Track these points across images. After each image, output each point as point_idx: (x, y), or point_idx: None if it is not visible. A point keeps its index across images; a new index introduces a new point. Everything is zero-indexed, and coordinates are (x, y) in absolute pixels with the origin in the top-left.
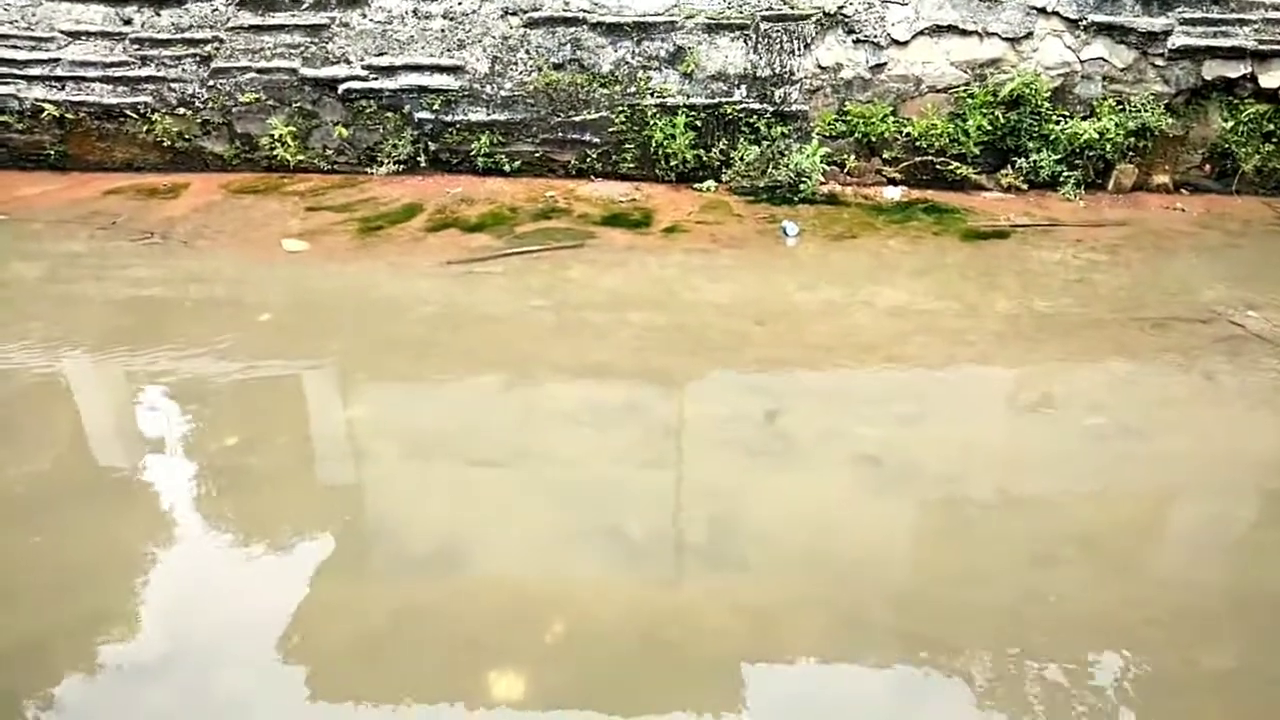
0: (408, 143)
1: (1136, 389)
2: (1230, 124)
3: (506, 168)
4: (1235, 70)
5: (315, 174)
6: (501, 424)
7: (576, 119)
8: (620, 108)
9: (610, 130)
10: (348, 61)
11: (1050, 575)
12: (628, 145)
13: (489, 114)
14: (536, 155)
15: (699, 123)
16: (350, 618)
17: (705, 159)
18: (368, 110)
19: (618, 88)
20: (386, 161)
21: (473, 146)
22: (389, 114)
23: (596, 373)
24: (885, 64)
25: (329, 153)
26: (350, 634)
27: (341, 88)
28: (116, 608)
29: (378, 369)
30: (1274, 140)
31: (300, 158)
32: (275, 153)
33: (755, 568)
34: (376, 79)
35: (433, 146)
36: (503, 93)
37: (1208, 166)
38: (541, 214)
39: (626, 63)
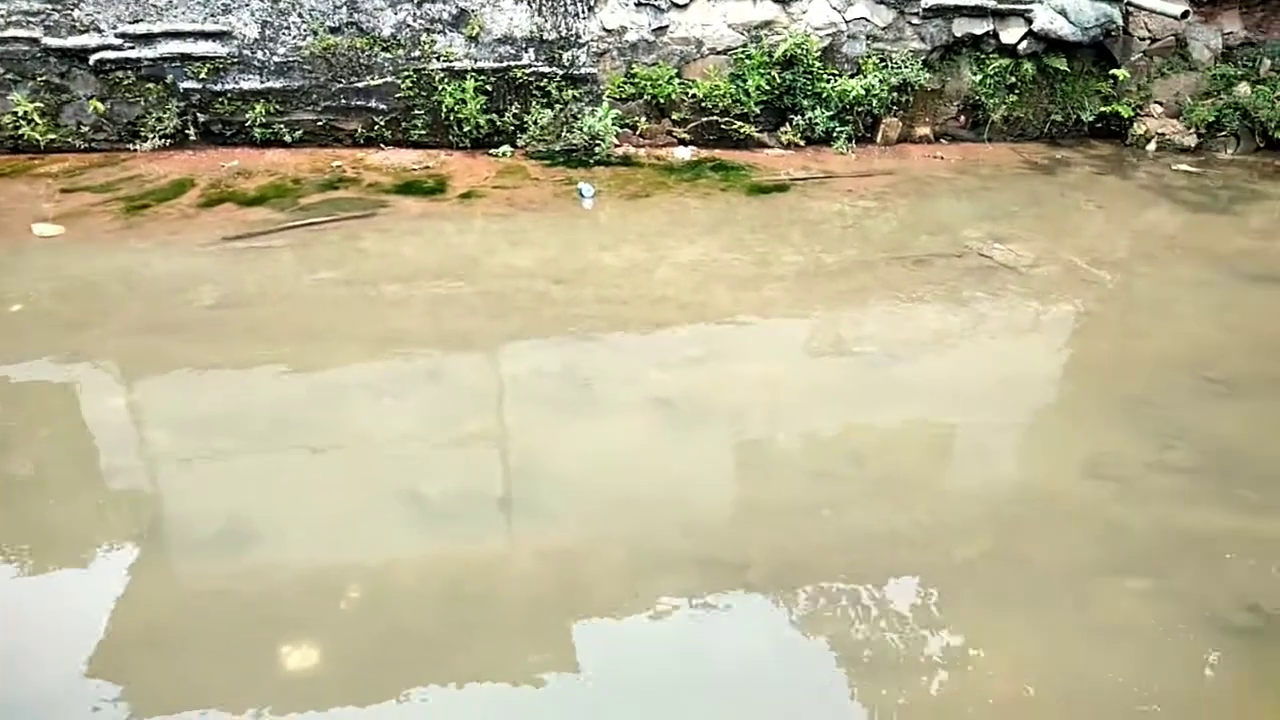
0: (174, 115)
1: (900, 320)
2: (979, 77)
3: (287, 138)
4: (980, 27)
5: (71, 153)
6: (292, 400)
7: (360, 85)
8: (406, 73)
9: (397, 96)
10: (98, 30)
11: (824, 490)
12: (417, 111)
13: (263, 81)
14: (319, 124)
15: (489, 87)
16: (137, 608)
17: (499, 124)
18: (125, 82)
19: (401, 52)
20: (151, 136)
21: (247, 117)
22: (150, 85)
23: (394, 342)
24: (667, 26)
25: (85, 130)
26: (139, 624)
27: (93, 58)
28: None
29: (150, 354)
30: (1016, 91)
31: (51, 136)
32: (21, 132)
33: (559, 514)
34: (133, 47)
35: (203, 118)
36: (276, 59)
37: (962, 117)
38: (328, 184)
39: (408, 26)
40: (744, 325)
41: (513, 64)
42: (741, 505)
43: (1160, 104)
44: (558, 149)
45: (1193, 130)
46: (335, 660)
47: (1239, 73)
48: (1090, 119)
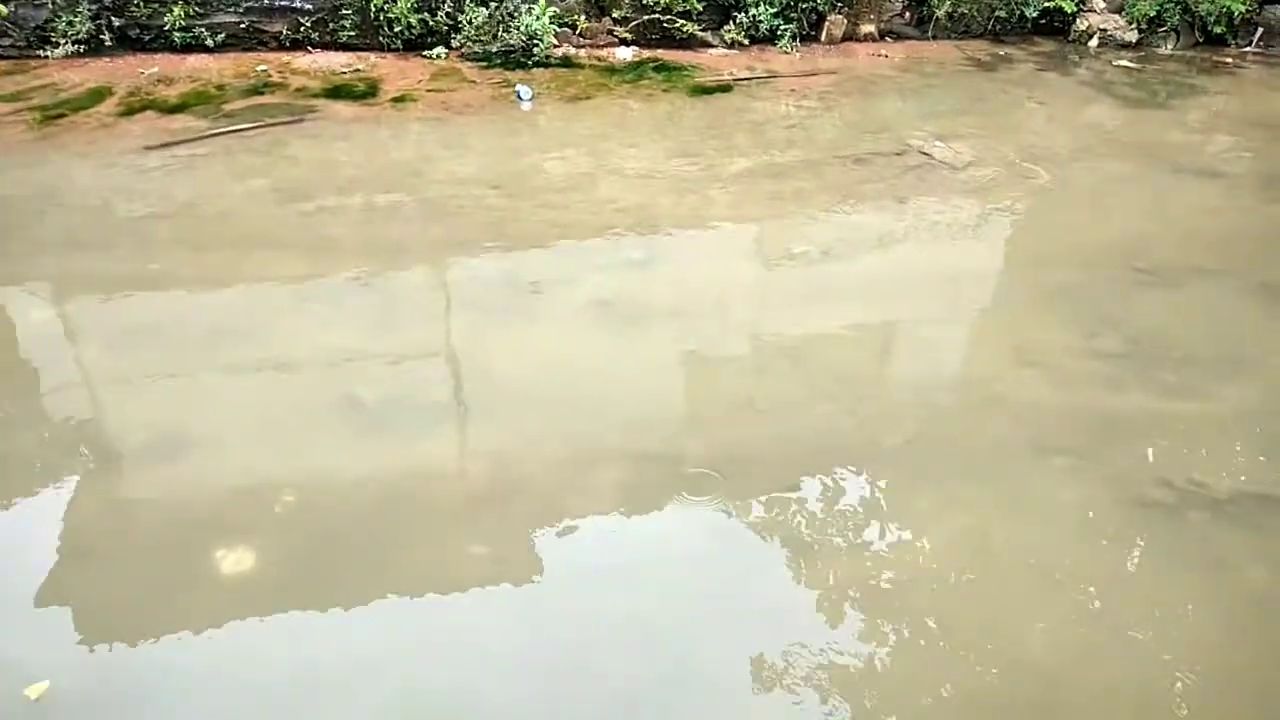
0: (85, 19)
1: (839, 218)
2: None
3: (209, 42)
4: None
5: None
6: (224, 311)
7: None
8: None
9: None
10: None
11: (761, 385)
12: (345, 11)
13: None
14: (243, 27)
15: None
16: (70, 518)
17: (432, 24)
18: None
19: None
20: (63, 42)
21: (166, 20)
22: None
23: (328, 250)
24: None
25: None
26: (72, 533)
27: None
28: None
29: (75, 269)
30: None
31: None
32: None
33: (498, 416)
34: None
35: (118, 22)
36: None
37: (908, 14)
38: (253, 90)
39: None
40: (685, 228)
41: None
42: (678, 401)
43: None
44: (494, 50)
45: (1134, 25)
46: (271, 563)
47: None
48: (1034, 15)
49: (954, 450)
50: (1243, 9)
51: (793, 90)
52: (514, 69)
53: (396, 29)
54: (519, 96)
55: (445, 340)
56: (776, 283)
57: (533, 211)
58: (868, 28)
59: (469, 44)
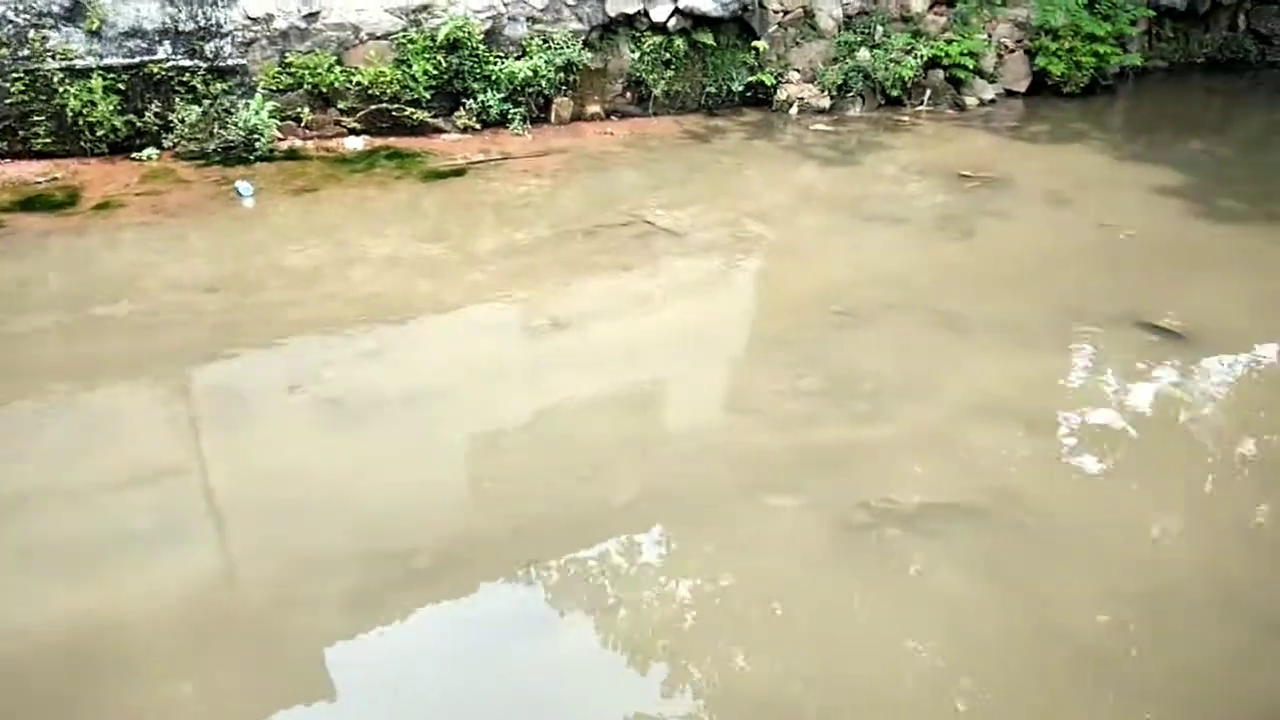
0: None
1: (572, 290)
2: (638, 55)
3: None
4: (632, 6)
5: None
6: None
7: None
8: (15, 74)
9: (9, 102)
10: None
11: (494, 463)
12: (37, 118)
13: None
14: None
15: (122, 85)
16: None
17: (140, 125)
18: None
19: (6, 51)
20: None
21: None
22: None
23: (21, 376)
24: (319, 12)
25: None
26: None
27: None
28: None
29: None
30: (672, 66)
31: None
32: None
33: (208, 539)
34: None
35: None
36: None
37: (628, 94)
38: None
39: (10, 21)
40: (419, 314)
41: (147, 58)
42: (408, 493)
43: (798, 71)
44: (213, 147)
45: (826, 93)
46: None
47: (859, 39)
48: (740, 89)
49: (678, 502)
50: (910, 74)
51: (525, 170)
52: (235, 165)
53: (99, 132)
54: (239, 193)
55: (154, 461)
56: (513, 359)
57: (257, 311)
58: (593, 108)
59: (184, 143)
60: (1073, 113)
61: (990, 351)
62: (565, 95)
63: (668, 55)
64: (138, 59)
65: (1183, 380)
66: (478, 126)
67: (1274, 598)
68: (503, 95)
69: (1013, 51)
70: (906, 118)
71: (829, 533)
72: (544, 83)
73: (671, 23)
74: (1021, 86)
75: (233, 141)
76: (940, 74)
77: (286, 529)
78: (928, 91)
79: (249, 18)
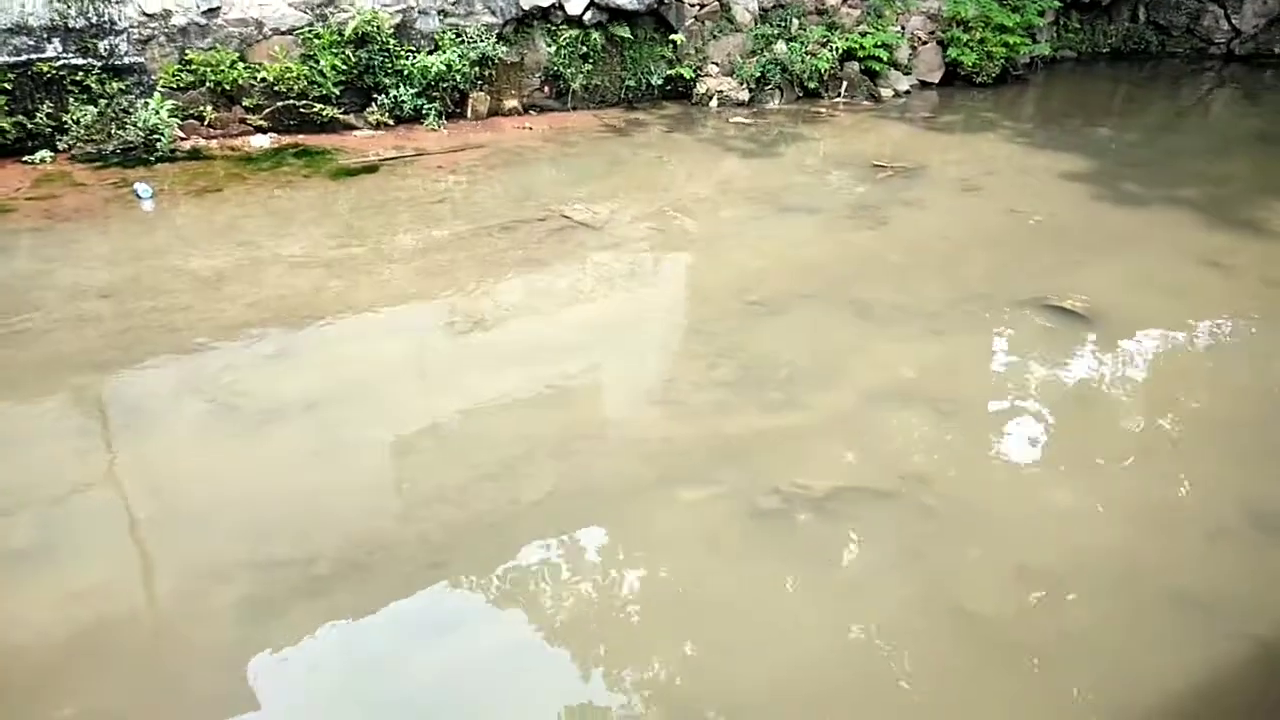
0: None
1: (486, 287)
2: (554, 48)
3: None
4: (546, 0)
5: None
6: None
7: None
8: None
9: None
10: None
11: (402, 467)
12: None
13: None
14: None
15: (9, 85)
16: None
17: (31, 126)
18: None
19: None
20: None
21: None
22: None
23: None
24: (219, 8)
25: None
26: None
27: None
28: None
29: None
30: (590, 60)
31: None
32: None
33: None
34: None
35: None
36: None
37: (546, 88)
38: None
39: None
40: (326, 314)
41: (35, 56)
42: (308, 499)
43: (716, 64)
44: (111, 149)
45: (744, 86)
46: None
47: (775, 32)
48: (659, 82)
49: (591, 497)
50: (827, 66)
51: (440, 166)
52: (135, 166)
53: None
54: (138, 195)
55: (46, 474)
56: (426, 358)
57: (156, 316)
58: (511, 103)
59: (80, 144)
60: (985, 102)
61: (901, 338)
62: (481, 90)
63: (585, 49)
64: (25, 57)
65: (1087, 361)
66: (391, 123)
67: (1178, 576)
68: (416, 90)
69: (926, 43)
70: (824, 110)
71: (738, 519)
72: (459, 77)
73: (587, 16)
74: (935, 77)
75: (132, 142)
76: (856, 66)
77: (182, 539)
78: (844, 84)
79: (145, 14)
